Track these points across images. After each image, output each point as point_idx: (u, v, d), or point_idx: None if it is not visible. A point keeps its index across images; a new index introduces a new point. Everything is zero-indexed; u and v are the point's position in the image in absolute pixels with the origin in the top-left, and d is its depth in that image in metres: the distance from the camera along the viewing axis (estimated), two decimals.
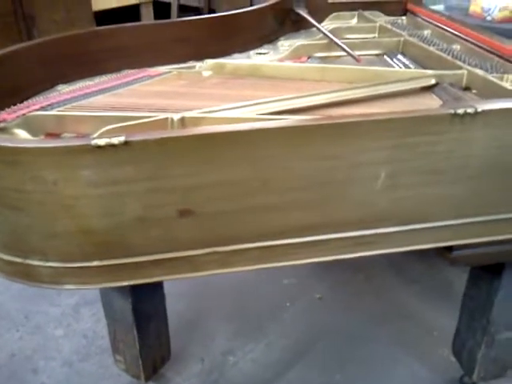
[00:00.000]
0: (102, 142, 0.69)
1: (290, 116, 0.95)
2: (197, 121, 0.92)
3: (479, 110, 0.76)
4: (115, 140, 0.69)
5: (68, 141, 0.72)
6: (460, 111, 0.76)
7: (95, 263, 0.78)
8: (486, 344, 1.17)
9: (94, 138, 0.70)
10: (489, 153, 0.81)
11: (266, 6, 1.58)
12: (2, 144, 0.70)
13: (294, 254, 0.83)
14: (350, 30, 1.65)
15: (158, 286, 1.19)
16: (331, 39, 1.45)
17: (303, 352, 1.40)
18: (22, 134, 0.98)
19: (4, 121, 1.01)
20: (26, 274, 0.79)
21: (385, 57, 1.44)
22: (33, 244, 0.77)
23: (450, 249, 0.89)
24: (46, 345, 1.42)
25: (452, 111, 0.76)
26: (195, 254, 0.79)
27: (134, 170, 0.72)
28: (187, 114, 0.93)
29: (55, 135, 0.99)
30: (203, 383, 1.31)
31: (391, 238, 0.84)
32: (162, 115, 0.94)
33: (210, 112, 0.94)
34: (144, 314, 1.16)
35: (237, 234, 0.80)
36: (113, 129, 0.88)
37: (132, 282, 0.80)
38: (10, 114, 1.04)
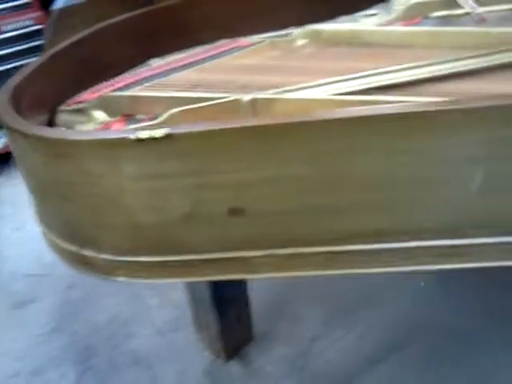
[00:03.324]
0: (143, 135, 0.64)
1: (377, 96, 0.81)
2: (269, 102, 0.83)
3: None
4: (157, 133, 0.63)
5: (109, 133, 0.68)
6: None
7: (143, 258, 0.74)
8: None
9: (136, 131, 0.64)
10: None
11: None
12: (50, 136, 0.68)
13: (365, 263, 0.71)
14: None
15: None
16: None
17: (396, 346, 1.28)
18: (99, 115, 0.97)
19: (85, 101, 1.01)
20: (84, 263, 0.78)
21: None
22: (86, 234, 0.76)
23: None
24: (142, 313, 1.47)
25: None
26: (250, 256, 0.72)
27: (178, 164, 0.66)
28: (258, 95, 0.84)
29: (130, 116, 0.97)
30: (287, 368, 1.26)
31: (487, 250, 0.68)
32: (233, 96, 0.86)
33: (283, 92, 0.84)
34: (223, 299, 1.13)
35: (295, 237, 0.70)
36: (177, 112, 0.83)
37: (183, 280, 0.75)
38: (92, 94, 1.04)
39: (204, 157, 0.65)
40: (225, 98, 0.86)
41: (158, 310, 1.47)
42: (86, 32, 1.13)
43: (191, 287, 1.15)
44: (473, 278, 1.39)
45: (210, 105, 0.84)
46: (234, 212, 0.68)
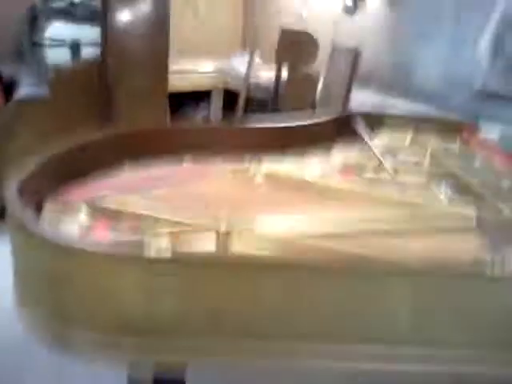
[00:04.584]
0: (152, 254, 0.79)
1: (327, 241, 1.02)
2: (242, 236, 1.01)
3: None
4: (163, 255, 0.79)
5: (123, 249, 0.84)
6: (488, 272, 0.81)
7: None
8: None
9: (146, 250, 0.80)
10: None
11: (325, 122, 1.70)
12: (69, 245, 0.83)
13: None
14: (402, 151, 1.72)
15: None
16: (381, 162, 1.52)
17: None
18: (84, 214, 1.09)
19: (69, 202, 1.14)
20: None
21: (431, 185, 1.48)
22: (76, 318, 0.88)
23: None
24: None
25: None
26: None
27: (172, 281, 0.81)
28: (233, 228, 1.01)
29: (112, 220, 1.09)
30: None
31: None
32: (209, 224, 1.03)
33: (254, 226, 1.03)
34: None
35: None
36: (162, 234, 0.99)
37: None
38: (79, 195, 1.16)
39: (190, 279, 0.83)
40: (201, 225, 1.03)
41: None
42: (73, 142, 1.28)
43: (134, 370, 1.23)
44: None
45: (189, 231, 1.02)
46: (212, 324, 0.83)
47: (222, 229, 1.00)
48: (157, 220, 1.05)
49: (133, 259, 0.80)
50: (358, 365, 0.94)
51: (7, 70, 2.41)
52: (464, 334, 0.93)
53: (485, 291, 0.91)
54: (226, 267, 0.82)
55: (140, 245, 0.86)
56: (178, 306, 0.83)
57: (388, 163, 1.52)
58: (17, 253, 0.97)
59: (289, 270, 0.84)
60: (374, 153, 1.60)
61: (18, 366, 1.59)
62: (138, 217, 1.08)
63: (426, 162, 1.66)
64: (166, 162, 1.43)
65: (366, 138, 1.71)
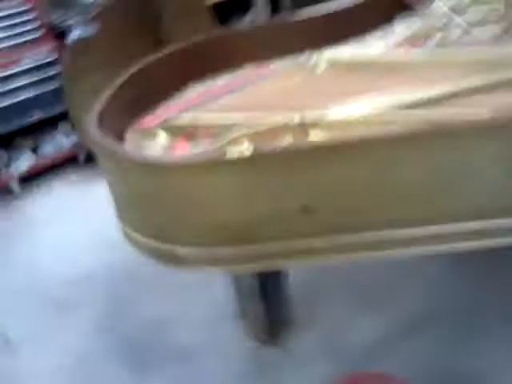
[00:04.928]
0: (233, 155, 0.83)
1: (409, 112, 1.01)
2: (316, 123, 1.01)
3: None
4: (242, 154, 0.83)
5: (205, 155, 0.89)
6: None
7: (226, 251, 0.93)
8: None
9: (226, 152, 0.84)
10: None
11: None
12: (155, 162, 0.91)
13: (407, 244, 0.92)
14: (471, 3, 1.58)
15: None
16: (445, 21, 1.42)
17: (419, 326, 1.45)
18: (162, 136, 1.13)
19: (148, 126, 1.17)
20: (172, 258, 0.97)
21: (508, 36, 1.37)
22: (174, 233, 0.95)
23: None
24: (183, 309, 1.60)
25: None
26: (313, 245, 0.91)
27: (261, 177, 0.85)
28: (306, 119, 1.02)
29: (190, 136, 1.13)
30: (317, 350, 1.43)
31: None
32: (282, 118, 1.04)
33: (327, 113, 1.02)
34: (269, 288, 1.30)
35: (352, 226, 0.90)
36: (238, 136, 1.01)
37: (257, 267, 0.97)
38: (154, 120, 1.19)
39: (280, 171, 0.86)
40: (274, 121, 1.04)
41: (199, 306, 1.61)
42: (140, 64, 1.29)
43: (238, 279, 1.33)
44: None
45: (264, 128, 1.03)
46: (306, 211, 0.86)
47: (297, 121, 1.01)
48: (232, 126, 1.07)
49: (221, 163, 0.84)
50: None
51: (58, 19, 2.44)
52: None
53: None
54: (316, 152, 0.84)
55: (222, 152, 0.88)
56: (272, 201, 0.87)
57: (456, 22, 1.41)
58: (114, 182, 1.04)
59: (382, 143, 0.85)
60: (439, 14, 1.48)
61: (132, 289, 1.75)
62: (214, 127, 1.11)
63: (498, 13, 1.53)
64: (227, 71, 1.42)
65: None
